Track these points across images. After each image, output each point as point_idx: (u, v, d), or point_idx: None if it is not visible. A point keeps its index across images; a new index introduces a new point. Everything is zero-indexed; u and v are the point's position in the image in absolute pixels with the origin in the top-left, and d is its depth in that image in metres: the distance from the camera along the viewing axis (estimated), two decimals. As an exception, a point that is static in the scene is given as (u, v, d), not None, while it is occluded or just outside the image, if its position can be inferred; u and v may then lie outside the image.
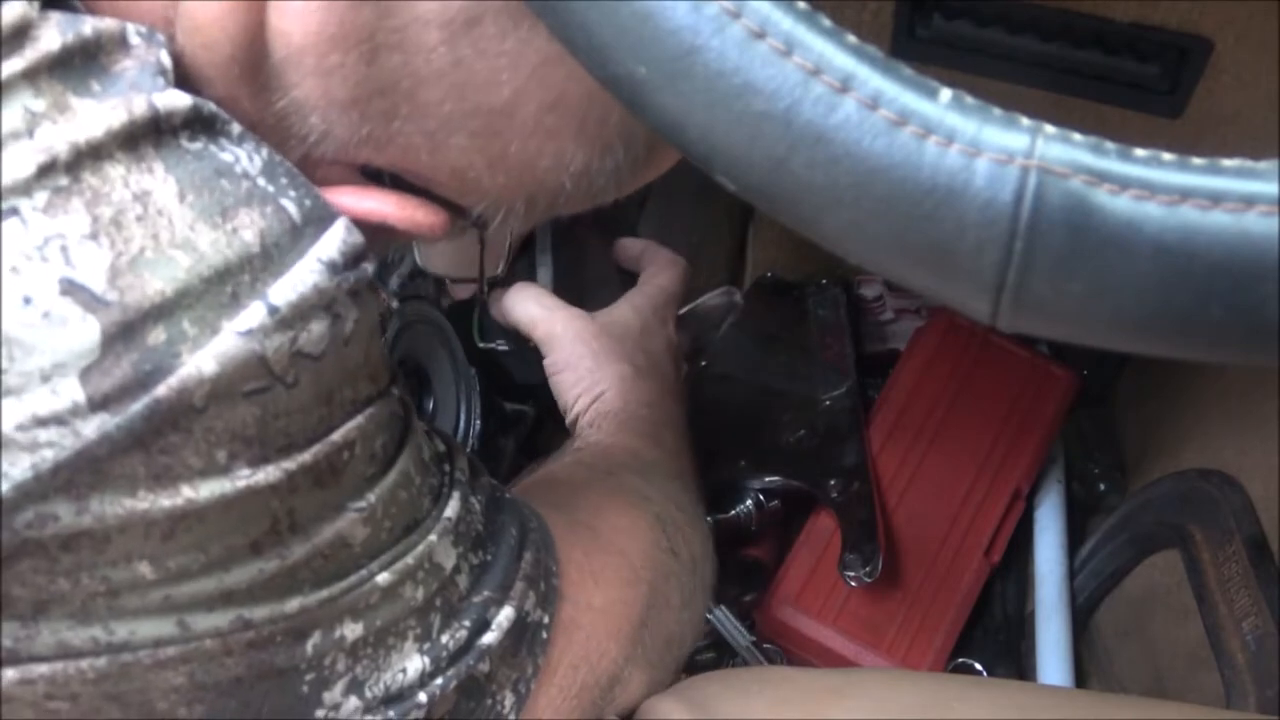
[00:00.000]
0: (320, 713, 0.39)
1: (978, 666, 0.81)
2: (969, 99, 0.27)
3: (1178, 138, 0.57)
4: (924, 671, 0.76)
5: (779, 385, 0.92)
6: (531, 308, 0.76)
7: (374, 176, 0.42)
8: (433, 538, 0.41)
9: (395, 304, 0.76)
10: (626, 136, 0.42)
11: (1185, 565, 0.77)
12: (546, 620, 0.46)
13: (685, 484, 0.67)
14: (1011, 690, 0.52)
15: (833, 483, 0.82)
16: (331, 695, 0.39)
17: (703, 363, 0.98)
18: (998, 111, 0.26)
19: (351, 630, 0.39)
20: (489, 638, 0.43)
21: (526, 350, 0.77)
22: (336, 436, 0.37)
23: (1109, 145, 0.26)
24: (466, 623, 0.42)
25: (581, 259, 0.84)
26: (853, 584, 0.75)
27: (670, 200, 0.85)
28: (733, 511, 0.85)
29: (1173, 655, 0.80)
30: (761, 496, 0.85)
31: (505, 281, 0.81)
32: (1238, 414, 0.80)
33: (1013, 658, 0.85)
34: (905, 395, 0.90)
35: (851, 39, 0.27)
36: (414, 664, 0.41)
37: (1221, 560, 0.74)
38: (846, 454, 0.84)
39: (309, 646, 0.38)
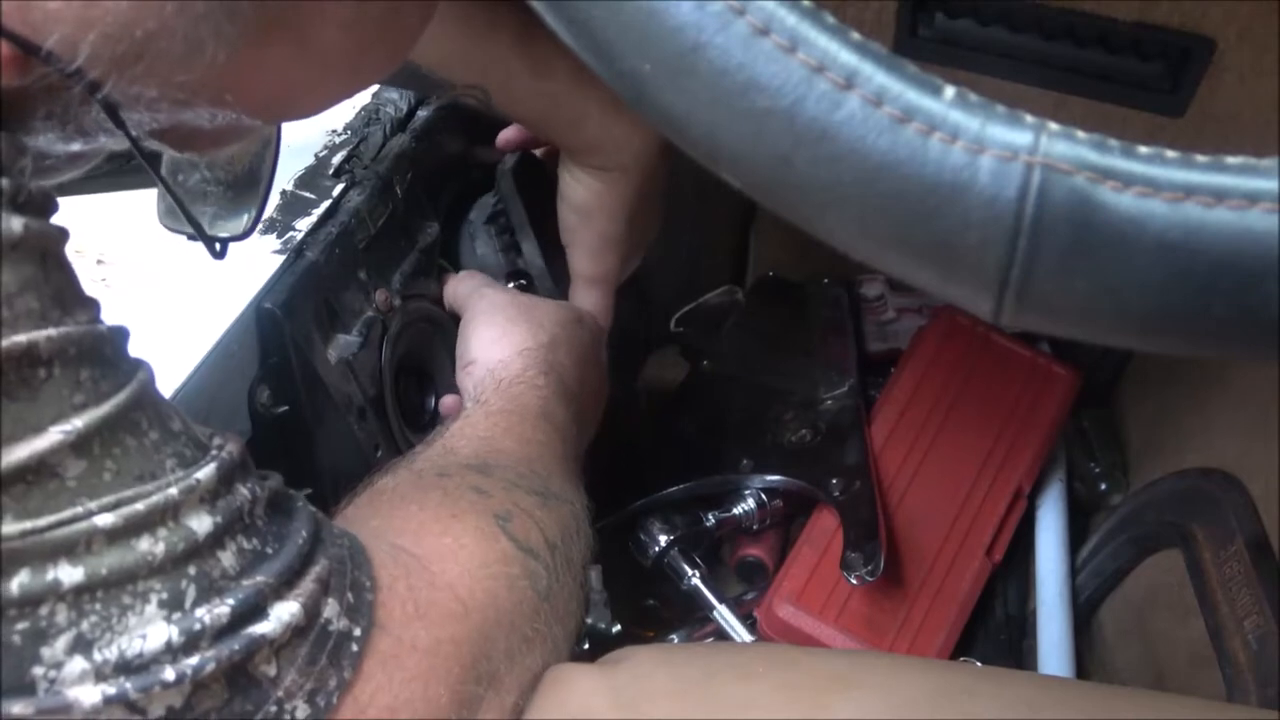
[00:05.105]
0: (39, 670, 0.36)
1: (979, 665, 0.81)
2: (973, 96, 0.27)
3: (1180, 137, 0.57)
4: (930, 659, 0.76)
5: (781, 384, 0.92)
6: (461, 287, 0.76)
7: None
8: (173, 491, 0.39)
9: (397, 302, 0.76)
10: None
11: (1187, 564, 0.77)
12: (357, 633, 0.43)
13: (557, 464, 0.63)
14: (1020, 681, 0.51)
15: (834, 481, 0.82)
16: (51, 652, 0.36)
17: (704, 362, 0.98)
18: (1001, 108, 0.26)
19: (69, 575, 0.36)
20: (265, 628, 0.40)
21: None
22: (21, 338, 0.35)
23: (1113, 142, 0.26)
24: (230, 601, 0.39)
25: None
26: (854, 583, 0.75)
27: (672, 200, 0.85)
28: (734, 510, 0.85)
29: (1174, 654, 0.80)
30: (763, 495, 0.85)
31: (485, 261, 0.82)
32: (1239, 413, 0.80)
33: (1014, 657, 0.85)
34: (907, 394, 0.90)
35: (855, 36, 0.27)
36: (158, 631, 0.37)
37: (1223, 559, 0.74)
38: (848, 453, 0.84)
39: (14, 586, 0.35)
